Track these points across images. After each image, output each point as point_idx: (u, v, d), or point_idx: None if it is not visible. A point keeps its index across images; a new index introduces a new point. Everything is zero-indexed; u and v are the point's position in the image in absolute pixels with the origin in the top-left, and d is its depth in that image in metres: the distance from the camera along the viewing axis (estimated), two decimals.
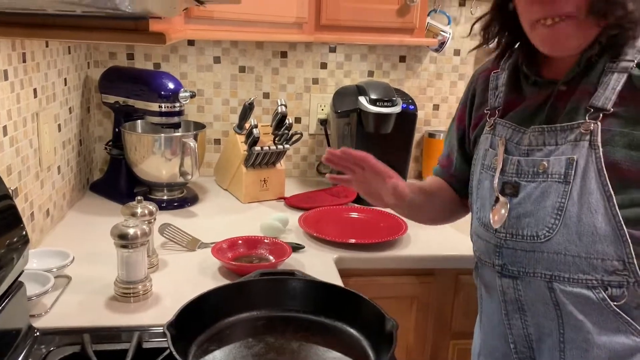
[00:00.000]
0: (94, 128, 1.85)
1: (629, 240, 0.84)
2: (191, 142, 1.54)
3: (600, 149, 0.84)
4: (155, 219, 1.21)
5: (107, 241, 1.09)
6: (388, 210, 1.68)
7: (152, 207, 1.20)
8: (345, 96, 1.80)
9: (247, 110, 1.69)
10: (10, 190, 0.96)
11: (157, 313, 1.06)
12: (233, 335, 0.90)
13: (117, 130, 1.69)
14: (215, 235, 1.37)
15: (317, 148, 2.02)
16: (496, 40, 1.01)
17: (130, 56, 1.83)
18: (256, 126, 1.63)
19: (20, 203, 1.22)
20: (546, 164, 0.89)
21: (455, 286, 1.46)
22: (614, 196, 0.84)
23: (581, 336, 0.88)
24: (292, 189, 1.84)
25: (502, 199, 0.93)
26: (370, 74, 1.97)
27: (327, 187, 1.84)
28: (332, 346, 0.89)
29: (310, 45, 1.89)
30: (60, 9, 0.79)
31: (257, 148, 1.64)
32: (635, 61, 0.85)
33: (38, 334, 0.96)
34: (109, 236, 1.07)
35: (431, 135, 1.99)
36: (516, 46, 1.00)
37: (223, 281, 1.19)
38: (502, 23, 0.98)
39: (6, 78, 1.16)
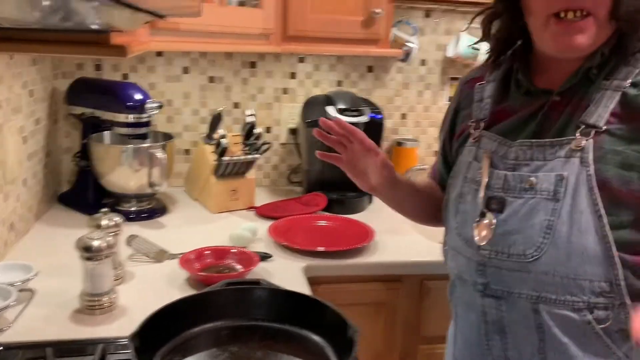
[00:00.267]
0: (61, 140, 1.83)
1: (618, 262, 0.82)
2: (159, 153, 1.54)
3: (592, 167, 0.82)
4: (121, 231, 1.21)
5: (73, 253, 1.08)
6: (356, 217, 1.71)
7: (117, 218, 1.20)
8: (314, 106, 1.83)
9: (216, 120, 1.70)
10: None
11: (123, 325, 1.06)
12: (198, 346, 0.91)
13: (84, 141, 1.68)
14: (184, 246, 1.37)
15: (287, 157, 2.03)
16: (491, 46, 0.97)
17: (98, 67, 1.82)
18: (224, 136, 1.64)
19: None
20: (534, 180, 0.86)
21: (421, 291, 1.49)
22: (604, 216, 0.81)
23: (564, 359, 0.87)
24: (262, 198, 1.85)
25: (488, 214, 0.90)
26: (339, 83, 2.00)
27: (298, 197, 1.86)
28: (296, 353, 0.90)
29: (279, 56, 1.91)
30: (22, 21, 0.80)
31: (226, 158, 1.65)
32: (630, 79, 0.84)
33: (1, 348, 0.95)
34: (75, 248, 1.07)
35: (399, 143, 2.02)
36: (509, 53, 0.97)
37: (190, 292, 1.19)
38: (509, 17, 0.92)
39: None
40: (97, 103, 1.63)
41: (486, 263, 0.90)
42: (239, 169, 1.71)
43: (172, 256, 1.35)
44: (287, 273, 1.32)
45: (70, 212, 1.66)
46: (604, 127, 0.83)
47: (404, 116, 2.06)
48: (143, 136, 1.62)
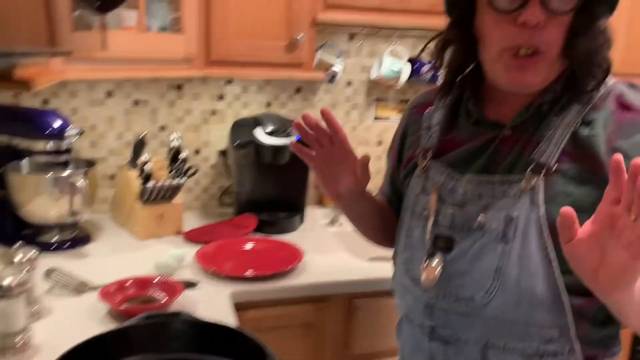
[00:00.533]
0: None
1: (568, 308, 0.80)
2: (79, 182, 1.50)
3: (542, 208, 0.80)
4: (36, 265, 1.17)
5: None
6: (287, 237, 1.73)
7: (32, 253, 1.16)
8: (242, 128, 1.84)
9: (139, 145, 1.68)
10: None
11: None
12: None
13: (0, 171, 1.61)
14: (108, 276, 1.34)
15: (218, 179, 2.02)
16: (443, 71, 0.93)
17: (16, 93, 1.76)
18: (148, 161, 1.62)
19: None
20: (482, 220, 0.83)
21: (349, 310, 1.51)
22: (554, 260, 0.79)
23: None
24: (193, 222, 1.83)
25: (438, 254, 0.87)
26: (268, 104, 2.02)
27: (228, 219, 1.85)
28: None
29: (207, 78, 1.91)
30: None
31: (151, 183, 1.63)
32: (580, 118, 0.82)
33: None
34: None
35: None
36: (457, 79, 0.93)
37: (111, 326, 1.16)
38: (462, 45, 0.88)
39: None
40: (13, 131, 1.57)
41: (434, 305, 0.88)
42: (165, 194, 1.69)
43: (93, 288, 1.31)
44: (213, 300, 1.32)
45: None
46: (555, 167, 0.81)
47: None
48: (64, 164, 1.57)
